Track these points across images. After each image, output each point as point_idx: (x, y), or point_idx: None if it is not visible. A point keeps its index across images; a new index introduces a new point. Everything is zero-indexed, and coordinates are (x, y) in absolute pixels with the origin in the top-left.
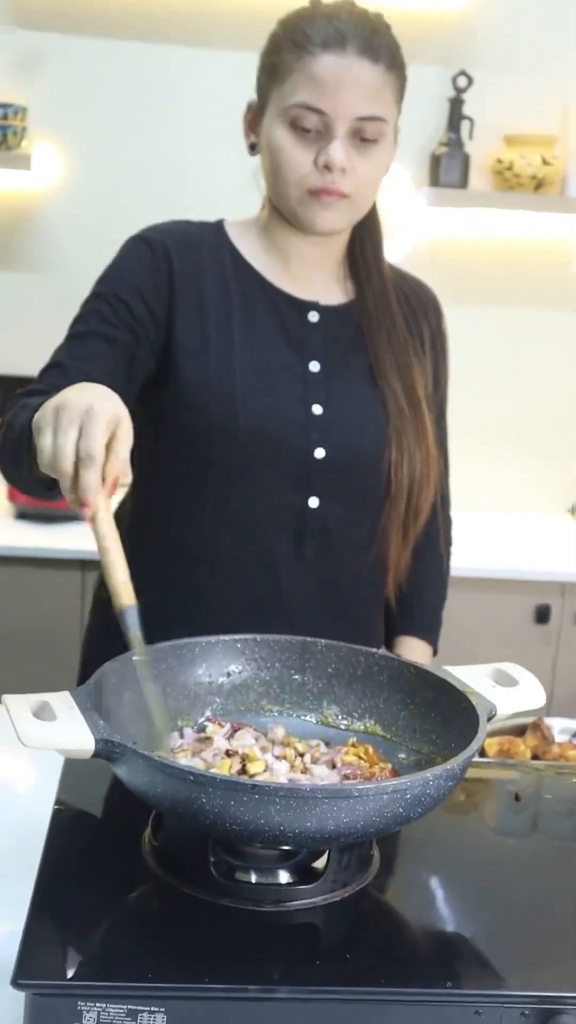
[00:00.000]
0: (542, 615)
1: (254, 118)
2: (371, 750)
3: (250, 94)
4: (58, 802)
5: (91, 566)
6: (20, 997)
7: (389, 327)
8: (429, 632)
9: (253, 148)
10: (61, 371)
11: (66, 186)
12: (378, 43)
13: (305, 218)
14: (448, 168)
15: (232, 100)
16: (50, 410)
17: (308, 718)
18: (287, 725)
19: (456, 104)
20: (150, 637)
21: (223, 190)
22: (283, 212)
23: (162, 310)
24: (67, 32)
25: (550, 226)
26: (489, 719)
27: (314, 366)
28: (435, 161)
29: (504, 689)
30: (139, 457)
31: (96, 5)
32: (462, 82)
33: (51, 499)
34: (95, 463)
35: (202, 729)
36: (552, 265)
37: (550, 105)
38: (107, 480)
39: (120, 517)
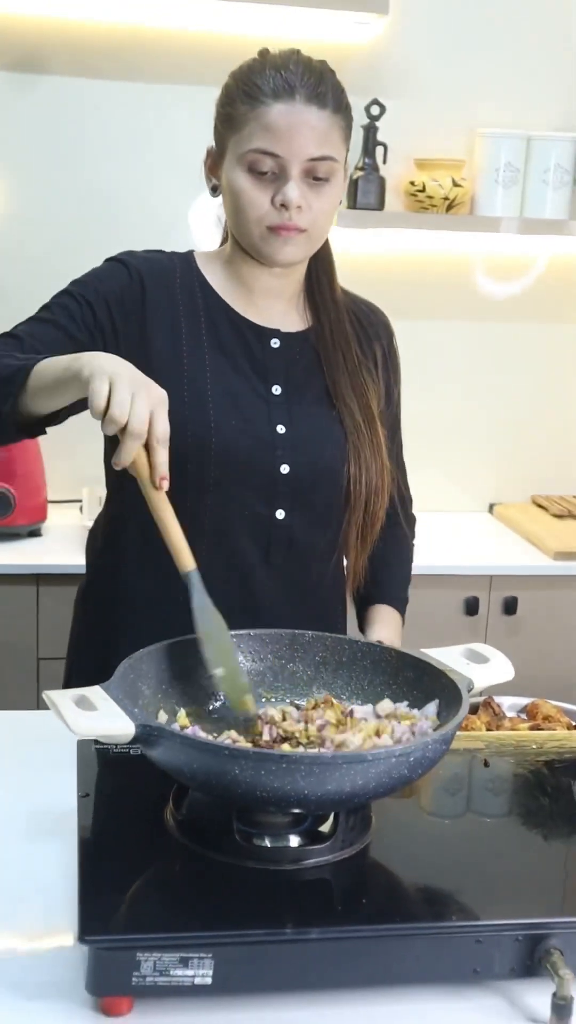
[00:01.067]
0: (471, 607)
1: (214, 163)
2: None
3: (178, 124)
4: (81, 792)
5: (45, 580)
6: (78, 954)
7: (344, 350)
8: (399, 603)
9: (215, 190)
10: (17, 342)
11: (5, 219)
12: (324, 89)
13: (266, 252)
14: (365, 191)
15: (161, 131)
16: (128, 375)
17: (301, 703)
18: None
19: (370, 131)
20: (137, 639)
21: (153, 220)
22: (246, 247)
23: (127, 329)
24: (5, 70)
25: (454, 241)
26: (468, 691)
27: (276, 389)
28: (353, 185)
29: (477, 666)
30: (119, 471)
31: (25, 41)
32: (375, 110)
33: (11, 441)
34: (167, 446)
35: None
36: (456, 277)
37: (458, 130)
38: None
39: (99, 529)
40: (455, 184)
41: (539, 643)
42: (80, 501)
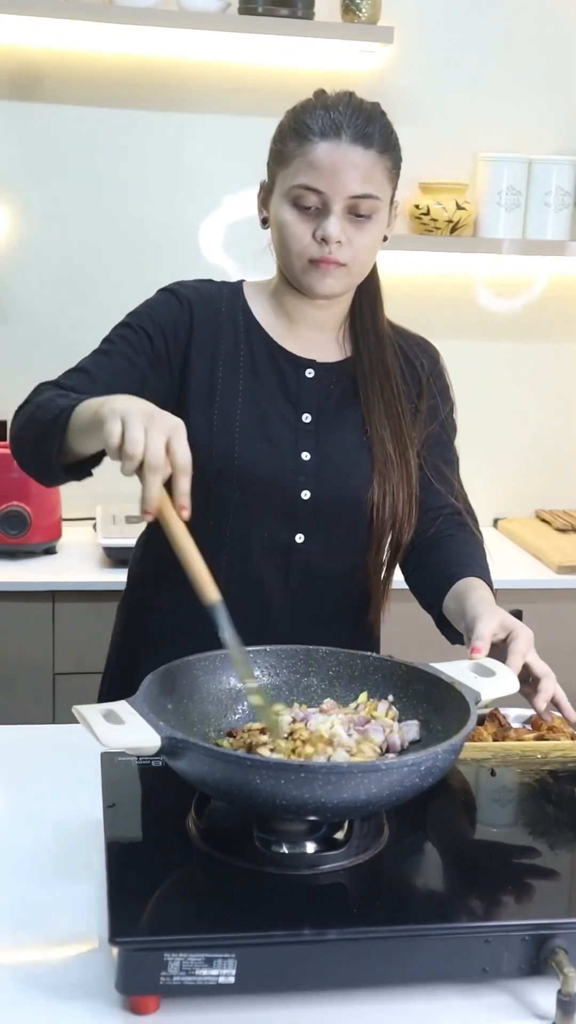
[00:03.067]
0: None
1: (265, 197)
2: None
3: (187, 151)
4: (107, 802)
5: (61, 596)
6: (107, 957)
7: (382, 379)
8: (488, 580)
9: (265, 223)
10: (87, 376)
11: (21, 243)
12: (371, 130)
13: (307, 284)
14: None
15: (171, 158)
16: (138, 410)
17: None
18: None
19: None
20: (158, 652)
21: (166, 243)
22: (289, 279)
23: (177, 356)
24: (15, 99)
25: (457, 262)
26: (475, 704)
27: (306, 417)
28: None
29: (484, 679)
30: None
31: (42, 72)
32: None
33: (59, 482)
34: (189, 473)
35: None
36: (460, 297)
37: (461, 155)
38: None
39: (140, 539)
40: (459, 207)
41: (544, 655)
42: (94, 519)
